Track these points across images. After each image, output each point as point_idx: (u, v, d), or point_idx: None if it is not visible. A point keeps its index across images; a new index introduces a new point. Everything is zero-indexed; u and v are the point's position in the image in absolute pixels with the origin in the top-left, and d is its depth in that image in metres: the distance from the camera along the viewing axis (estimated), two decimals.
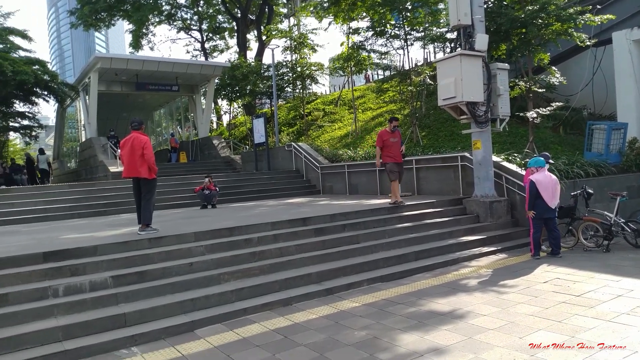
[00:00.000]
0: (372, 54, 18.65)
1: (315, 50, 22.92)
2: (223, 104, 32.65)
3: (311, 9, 24.90)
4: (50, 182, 21.90)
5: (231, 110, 31.30)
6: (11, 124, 24.49)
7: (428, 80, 15.44)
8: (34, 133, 25.33)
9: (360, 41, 18.28)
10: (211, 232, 7.14)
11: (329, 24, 21.39)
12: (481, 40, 9.03)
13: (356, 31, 18.39)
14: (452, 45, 16.15)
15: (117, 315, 5.01)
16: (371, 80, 31.04)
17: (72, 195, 12.75)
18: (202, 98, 25.56)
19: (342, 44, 20.37)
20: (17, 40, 22.14)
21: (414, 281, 6.57)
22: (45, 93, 22.14)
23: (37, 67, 20.52)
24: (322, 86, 33.87)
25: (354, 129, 19.05)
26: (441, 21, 16.43)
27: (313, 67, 21.97)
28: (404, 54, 33.94)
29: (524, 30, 11.79)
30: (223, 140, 24.58)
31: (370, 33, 17.47)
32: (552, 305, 5.21)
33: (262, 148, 17.93)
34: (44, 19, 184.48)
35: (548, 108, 11.97)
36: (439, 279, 6.64)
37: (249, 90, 23.25)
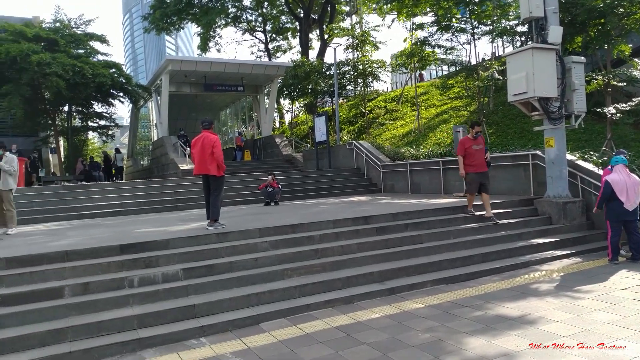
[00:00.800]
0: (436, 50, 18.26)
1: (377, 48, 22.76)
2: (285, 103, 33.26)
3: (373, 5, 24.74)
4: (124, 178, 23.35)
5: (293, 109, 31.82)
6: (90, 123, 26.28)
7: (496, 75, 14.87)
8: (110, 132, 27.01)
9: (424, 37, 17.94)
10: (274, 229, 7.29)
11: (392, 20, 21.17)
12: (555, 33, 8.56)
13: (420, 27, 18.09)
14: (523, 38, 15.51)
15: (188, 306, 5.24)
16: (425, 80, 30.45)
17: (145, 191, 13.49)
18: (265, 98, 26.14)
19: (404, 40, 20.08)
20: (96, 44, 23.72)
21: (481, 284, 6.35)
22: (121, 94, 23.54)
23: (113, 70, 21.84)
24: (384, 83, 33.55)
25: (417, 126, 18.73)
26: (510, 14, 15.79)
27: (375, 65, 21.80)
28: (470, 49, 33.07)
29: (602, 20, 11.06)
30: (285, 138, 25.01)
31: (434, 28, 17.15)
32: (633, 314, 4.85)
33: (323, 146, 18.04)
34: (119, 24, 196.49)
35: (629, 103, 11.12)
36: (507, 282, 6.37)
37: (310, 89, 23.48)
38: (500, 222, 8.46)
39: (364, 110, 23.10)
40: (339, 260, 6.60)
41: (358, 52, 23.20)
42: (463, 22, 16.56)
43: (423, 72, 28.30)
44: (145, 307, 5.22)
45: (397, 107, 24.03)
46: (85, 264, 5.74)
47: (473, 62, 17.99)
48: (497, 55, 19.64)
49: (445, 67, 26.00)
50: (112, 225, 9.24)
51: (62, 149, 25.83)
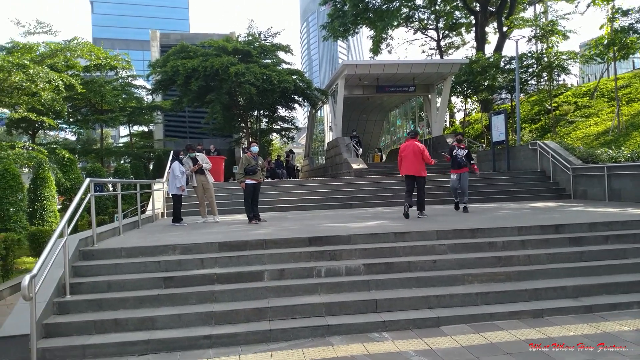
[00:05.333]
0: None
1: (566, 37, 20.51)
2: (457, 101, 32.13)
3: None
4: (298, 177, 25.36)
5: (465, 107, 30.55)
6: (274, 126, 29.05)
7: None
8: (290, 134, 29.49)
9: (630, 23, 15.58)
10: (453, 232, 7.14)
11: (587, 5, 18.83)
12: None
13: (624, 13, 15.75)
14: None
15: (369, 300, 5.47)
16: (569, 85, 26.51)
17: (322, 189, 14.42)
18: (436, 96, 25.62)
19: (601, 27, 17.70)
20: (281, 54, 26.06)
21: None
22: (301, 99, 25.49)
23: (295, 76, 23.74)
24: (574, 77, 30.04)
25: (616, 124, 16.35)
26: None
27: (563, 56, 19.65)
28: None
29: None
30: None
31: None
32: None
33: (502, 146, 16.95)
34: (297, 32, 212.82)
35: None
36: None
37: (486, 85, 22.25)
38: None
39: (549, 107, 21.00)
40: (526, 270, 6.16)
41: (543, 44, 21.19)
42: None
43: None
44: (332, 296, 5.60)
45: (590, 102, 21.30)
46: (280, 252, 6.41)
47: None
48: None
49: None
50: (297, 219, 10.10)
51: None
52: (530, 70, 21.15)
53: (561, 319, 5.29)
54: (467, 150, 10.40)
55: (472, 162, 10.44)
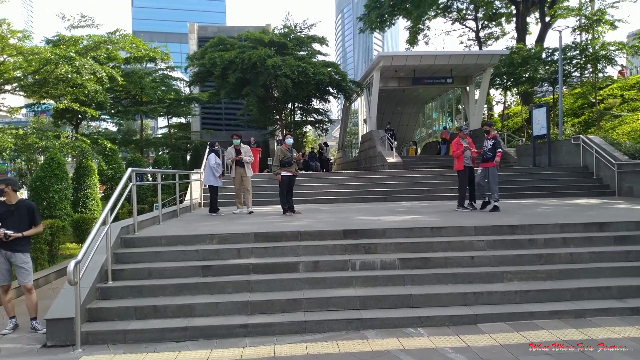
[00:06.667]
0: None
1: (614, 27, 19.58)
2: (496, 93, 31.29)
3: None
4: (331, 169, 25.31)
5: (505, 100, 29.72)
6: (308, 118, 29.05)
7: None
8: (324, 127, 29.43)
9: None
10: (492, 228, 6.97)
11: None
12: None
13: None
14: None
15: (405, 295, 5.42)
16: (626, 76, 25.05)
17: (356, 182, 14.34)
18: (475, 88, 25.00)
19: None
20: (316, 45, 25.95)
21: None
22: (336, 91, 25.37)
23: (330, 69, 23.61)
24: (624, 68, 28.68)
25: None
26: None
27: (611, 47, 18.76)
28: None
29: None
30: (496, 131, 23.49)
31: None
32: None
33: (543, 141, 16.41)
34: (331, 24, 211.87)
35: None
36: None
37: (526, 77, 21.54)
38: None
39: (593, 100, 20.16)
40: (568, 269, 5.97)
41: (588, 34, 20.31)
42: None
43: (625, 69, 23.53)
44: (366, 290, 5.58)
45: (637, 95, 20.32)
46: (315, 244, 6.44)
47: None
48: None
49: None
50: (331, 211, 10.10)
51: None
52: (574, 61, 20.33)
53: (605, 320, 5.11)
54: (494, 141, 9.38)
55: (498, 150, 9.26)
